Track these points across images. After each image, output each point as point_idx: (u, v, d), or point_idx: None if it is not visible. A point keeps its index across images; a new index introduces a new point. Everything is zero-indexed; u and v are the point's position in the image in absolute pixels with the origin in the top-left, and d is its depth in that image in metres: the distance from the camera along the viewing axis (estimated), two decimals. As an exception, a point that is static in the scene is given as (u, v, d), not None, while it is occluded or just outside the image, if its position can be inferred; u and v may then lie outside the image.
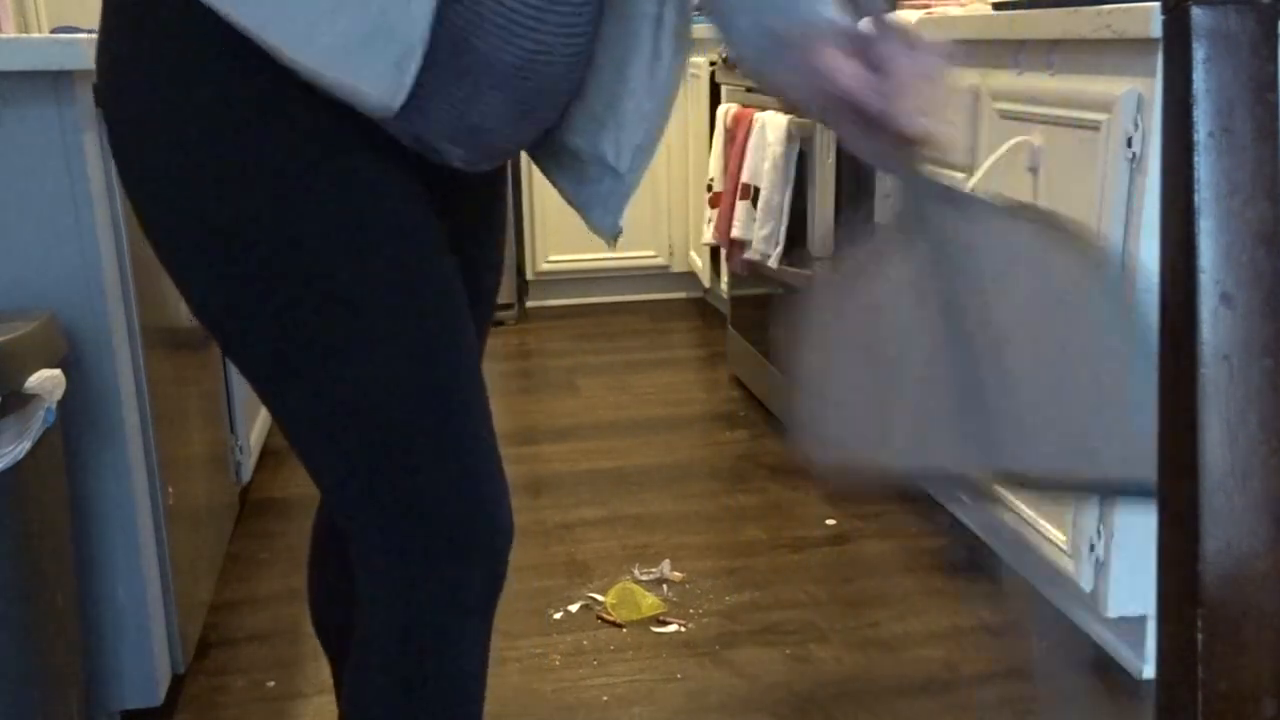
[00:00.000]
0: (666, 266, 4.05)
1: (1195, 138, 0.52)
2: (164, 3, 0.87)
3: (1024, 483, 0.83)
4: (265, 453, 2.66)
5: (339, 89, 0.84)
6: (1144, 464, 0.66)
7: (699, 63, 3.75)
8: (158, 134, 0.88)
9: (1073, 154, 1.63)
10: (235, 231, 0.87)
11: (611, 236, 1.04)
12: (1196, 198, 0.52)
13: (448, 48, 0.86)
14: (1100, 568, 1.65)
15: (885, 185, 2.30)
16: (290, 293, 0.88)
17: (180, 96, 0.87)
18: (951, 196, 0.79)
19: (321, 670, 1.76)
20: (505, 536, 0.97)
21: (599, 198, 1.03)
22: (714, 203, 2.84)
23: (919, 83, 0.79)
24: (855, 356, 0.87)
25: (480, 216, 1.11)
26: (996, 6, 1.89)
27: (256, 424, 2.39)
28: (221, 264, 0.88)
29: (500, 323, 3.87)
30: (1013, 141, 1.78)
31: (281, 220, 0.87)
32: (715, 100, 3.37)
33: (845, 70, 0.78)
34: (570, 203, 1.07)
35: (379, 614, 0.97)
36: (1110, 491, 0.86)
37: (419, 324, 0.91)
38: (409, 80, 0.83)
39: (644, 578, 2.03)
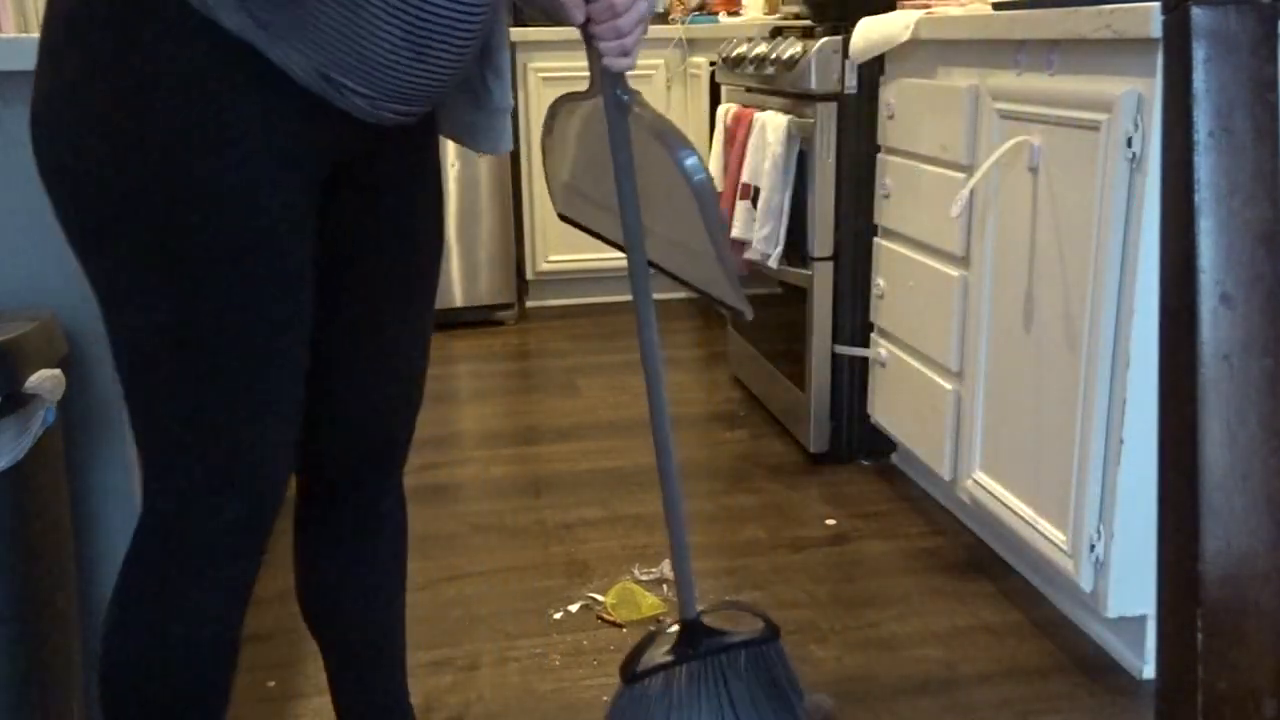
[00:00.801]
0: (666, 266, 4.05)
1: (1195, 138, 0.52)
2: None
3: (657, 269, 1.34)
4: (265, 453, 2.67)
5: None
6: (716, 283, 1.28)
7: (699, 62, 3.76)
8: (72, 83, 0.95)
9: (1073, 154, 1.63)
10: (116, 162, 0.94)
11: (509, 150, 1.26)
12: (1196, 198, 0.52)
13: None
14: (1100, 568, 1.65)
15: (884, 185, 2.30)
16: (138, 232, 0.95)
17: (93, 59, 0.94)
18: (620, 102, 1.21)
19: (321, 670, 1.76)
20: (253, 503, 1.06)
21: (503, 133, 1.24)
22: (714, 203, 2.84)
23: (623, 30, 1.13)
24: (570, 157, 1.40)
25: (405, 184, 1.18)
26: (996, 6, 1.89)
27: (256, 424, 2.39)
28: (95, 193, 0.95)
29: (500, 323, 3.87)
30: (1013, 141, 1.78)
31: (158, 170, 0.93)
32: (715, 100, 3.37)
33: (578, 8, 1.11)
34: (477, 147, 1.24)
35: (132, 544, 1.07)
36: (700, 294, 1.33)
37: (228, 295, 0.98)
38: None
39: (644, 578, 2.03)
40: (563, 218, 1.50)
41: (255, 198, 0.96)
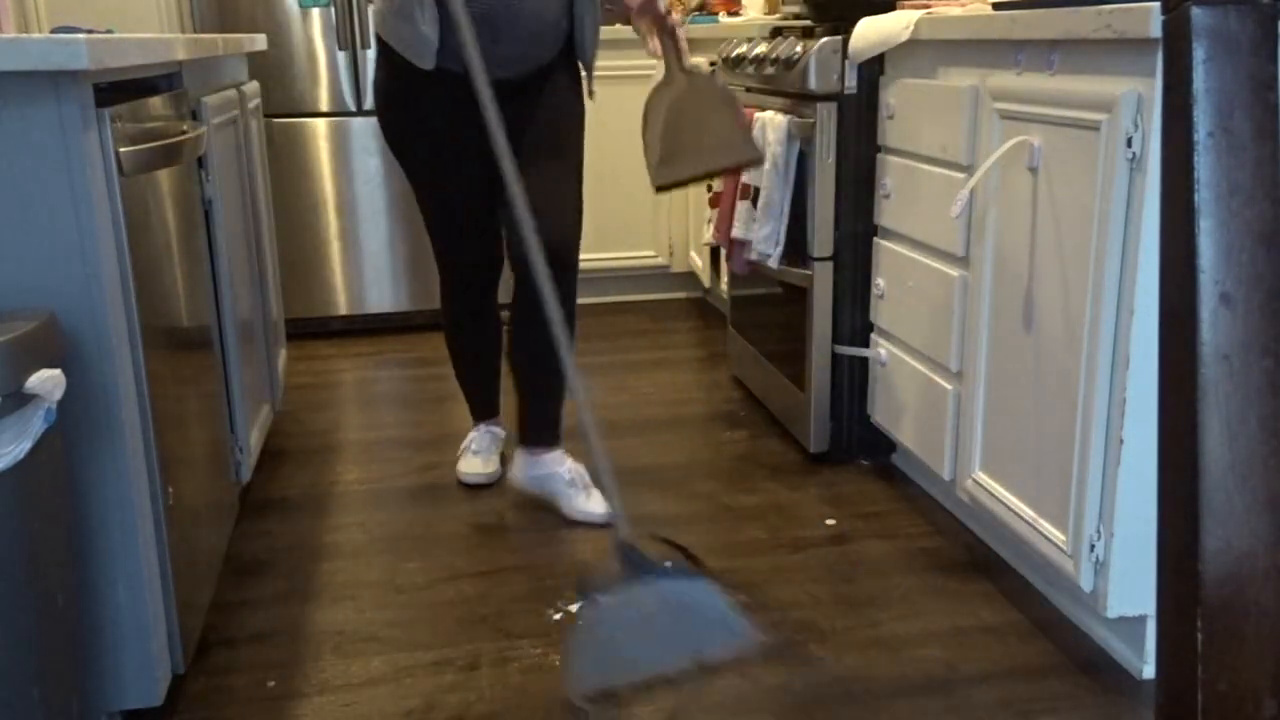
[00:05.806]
0: (666, 267, 4.06)
1: (1195, 138, 0.52)
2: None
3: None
4: (265, 453, 2.66)
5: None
6: (743, 150, 2.12)
7: (699, 62, 3.75)
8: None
9: (1073, 154, 1.63)
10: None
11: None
12: (1196, 198, 0.52)
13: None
14: (1100, 568, 1.65)
15: (884, 185, 2.30)
16: None
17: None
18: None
19: (321, 670, 1.76)
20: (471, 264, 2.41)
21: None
22: (714, 203, 2.84)
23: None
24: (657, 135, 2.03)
25: (528, 109, 2.19)
26: (996, 6, 1.89)
27: (256, 424, 2.39)
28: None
29: (501, 323, 3.87)
30: (1013, 141, 1.78)
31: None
32: (715, 100, 3.37)
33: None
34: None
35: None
36: (732, 167, 2.20)
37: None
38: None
39: (644, 578, 2.03)
40: (661, 189, 2.04)
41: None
